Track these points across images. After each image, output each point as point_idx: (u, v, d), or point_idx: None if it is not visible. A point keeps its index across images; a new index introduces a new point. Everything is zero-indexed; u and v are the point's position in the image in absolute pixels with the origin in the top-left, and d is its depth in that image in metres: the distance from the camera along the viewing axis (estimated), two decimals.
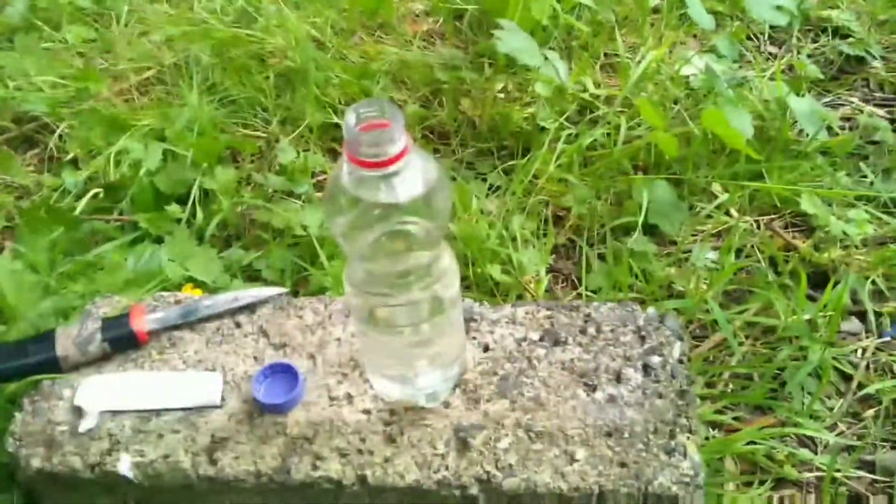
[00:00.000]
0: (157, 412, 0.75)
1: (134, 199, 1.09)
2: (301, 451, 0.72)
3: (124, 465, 0.72)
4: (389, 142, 0.54)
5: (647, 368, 0.77)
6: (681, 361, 0.78)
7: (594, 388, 0.76)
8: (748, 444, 0.85)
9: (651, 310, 0.82)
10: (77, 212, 1.08)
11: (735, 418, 0.89)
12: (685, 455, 0.71)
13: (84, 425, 0.75)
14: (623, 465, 0.70)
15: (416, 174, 0.57)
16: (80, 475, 0.73)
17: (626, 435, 0.72)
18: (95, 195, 1.11)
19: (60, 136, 1.24)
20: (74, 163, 1.21)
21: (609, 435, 0.72)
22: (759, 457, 0.85)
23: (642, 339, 0.79)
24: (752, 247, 1.05)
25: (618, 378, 0.76)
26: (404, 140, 0.55)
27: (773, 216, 1.11)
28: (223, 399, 0.76)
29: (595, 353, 0.78)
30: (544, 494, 0.70)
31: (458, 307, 0.70)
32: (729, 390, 0.91)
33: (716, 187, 1.12)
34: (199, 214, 1.05)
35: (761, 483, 0.83)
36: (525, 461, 0.71)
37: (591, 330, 0.80)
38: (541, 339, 0.80)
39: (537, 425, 0.73)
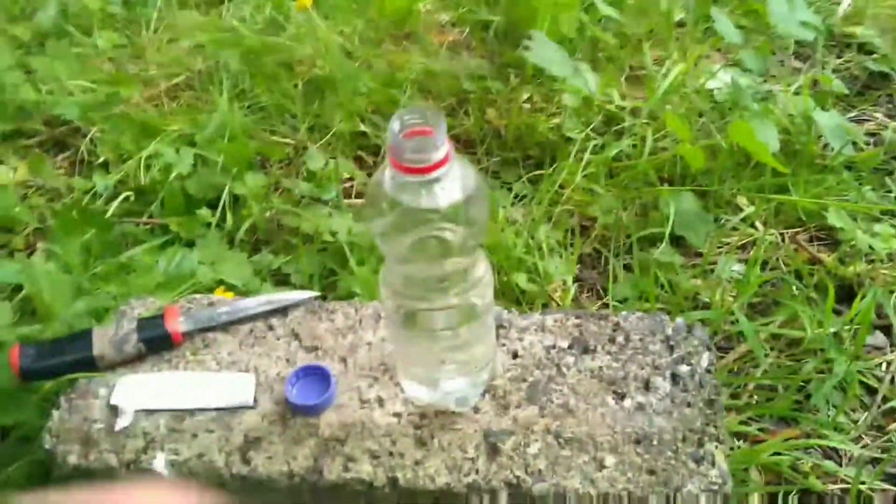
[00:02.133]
0: (192, 412, 0.77)
1: (164, 203, 1.11)
2: (333, 453, 0.73)
3: (159, 463, 0.74)
4: (433, 149, 0.55)
5: (675, 377, 0.78)
6: (709, 371, 0.78)
7: (623, 396, 0.76)
8: (773, 455, 0.86)
9: (679, 320, 0.83)
10: (108, 215, 1.10)
11: (760, 429, 0.89)
12: (713, 464, 0.71)
13: (120, 423, 0.76)
14: (652, 472, 0.71)
15: (456, 181, 0.58)
16: (116, 472, 0.74)
17: (655, 442, 0.73)
18: (126, 198, 1.13)
19: (91, 140, 1.26)
20: (105, 166, 1.23)
21: (638, 442, 0.73)
22: (785, 468, 0.85)
23: (671, 348, 0.80)
24: (778, 259, 1.06)
25: (646, 386, 0.77)
26: (446, 147, 0.56)
27: (798, 229, 1.11)
28: (256, 400, 0.77)
29: (624, 362, 0.79)
30: (573, 500, 0.70)
31: (490, 314, 0.71)
32: (754, 402, 0.92)
33: (741, 200, 1.13)
34: (230, 219, 1.06)
35: (786, 494, 0.83)
36: (554, 466, 0.71)
37: (620, 339, 0.81)
38: (570, 347, 0.81)
39: (566, 431, 0.74)
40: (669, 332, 0.81)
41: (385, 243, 0.61)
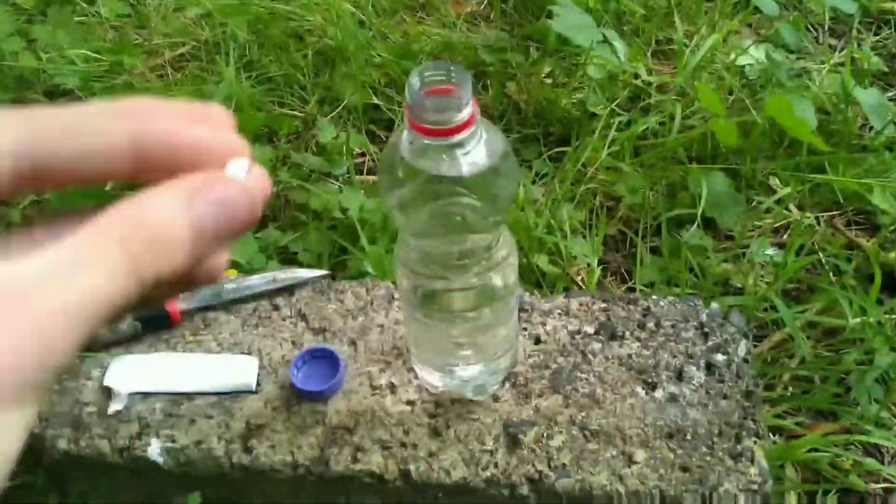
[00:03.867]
0: (190, 396, 0.72)
1: None
2: (341, 442, 0.68)
3: (154, 450, 0.69)
4: (456, 108, 0.49)
5: (710, 367, 0.72)
6: (746, 360, 0.73)
7: (654, 386, 0.71)
8: (811, 451, 0.80)
9: (714, 305, 0.77)
10: (108, 187, 1.05)
11: (797, 423, 0.83)
12: (752, 461, 0.66)
13: (113, 407, 0.71)
14: (685, 468, 0.66)
15: (482, 147, 0.52)
16: (108, 459, 0.69)
17: (689, 437, 0.67)
18: None
19: None
20: None
21: (670, 436, 0.67)
22: (823, 465, 0.79)
23: (705, 335, 0.74)
24: (814, 244, 0.99)
25: (679, 376, 0.71)
26: (472, 107, 0.50)
27: (834, 213, 1.05)
28: (259, 384, 0.72)
29: (654, 350, 0.73)
30: (601, 497, 0.65)
31: (514, 297, 0.65)
32: (789, 394, 0.86)
33: (774, 181, 1.07)
34: None
35: (825, 493, 0.77)
36: (580, 461, 0.66)
37: (651, 325, 0.75)
38: (596, 333, 0.75)
39: (593, 423, 0.68)
40: (704, 318, 0.76)
41: (401, 215, 0.56)
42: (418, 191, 0.54)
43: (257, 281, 0.78)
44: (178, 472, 0.69)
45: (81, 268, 0.23)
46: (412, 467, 0.66)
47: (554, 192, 1.02)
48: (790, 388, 0.87)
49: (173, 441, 0.69)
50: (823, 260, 0.98)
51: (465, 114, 0.50)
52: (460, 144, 0.51)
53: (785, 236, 1.02)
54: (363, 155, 1.10)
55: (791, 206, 1.05)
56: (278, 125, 1.13)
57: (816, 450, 0.80)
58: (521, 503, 0.66)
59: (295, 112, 1.17)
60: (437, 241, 0.58)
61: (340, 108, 1.14)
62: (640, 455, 0.66)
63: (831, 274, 0.95)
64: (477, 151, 0.52)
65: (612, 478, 0.65)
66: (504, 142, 0.54)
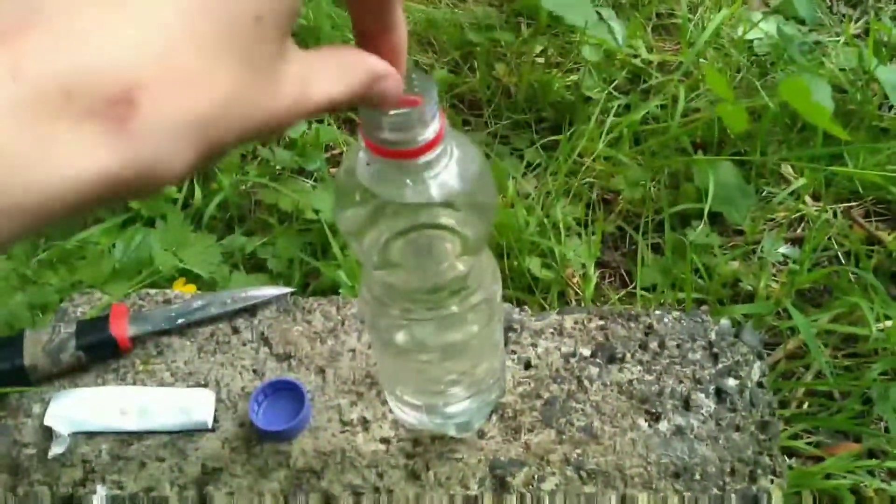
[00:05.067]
0: (139, 435, 0.64)
1: None
2: (307, 487, 0.61)
3: (99, 498, 0.61)
4: (421, 125, 0.41)
5: (720, 393, 0.64)
6: (760, 385, 0.65)
7: (657, 418, 0.63)
8: (829, 476, 0.73)
9: (724, 321, 0.69)
10: None
11: (814, 444, 0.76)
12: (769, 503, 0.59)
13: (54, 450, 0.64)
14: None
15: (453, 166, 0.44)
16: None
17: (698, 476, 0.60)
18: None
19: None
20: None
21: (676, 476, 0.60)
22: (844, 492, 0.72)
23: (715, 357, 0.67)
24: (830, 239, 0.91)
25: (686, 405, 0.64)
26: (438, 122, 0.42)
27: (852, 204, 0.96)
28: (216, 421, 0.64)
29: (658, 374, 0.66)
30: None
31: (498, 321, 0.57)
32: (805, 411, 0.78)
33: (786, 170, 0.98)
34: (198, 194, 0.92)
35: None
36: None
37: (654, 345, 0.67)
38: (593, 356, 0.67)
39: (589, 462, 0.61)
40: (713, 336, 0.68)
41: (360, 245, 0.47)
42: (378, 219, 0.45)
43: (215, 301, 0.70)
44: None
45: None
46: None
47: (547, 186, 0.93)
48: (806, 405, 0.79)
49: (121, 488, 0.62)
50: (841, 256, 0.90)
51: (431, 131, 0.41)
52: (427, 166, 0.42)
53: (799, 230, 0.94)
54: (338, 148, 1.01)
55: (806, 198, 0.96)
56: None
57: (836, 475, 0.73)
58: None
59: None
60: (403, 273, 0.49)
61: None
62: (642, 499, 0.59)
63: (850, 273, 0.87)
64: (447, 172, 0.43)
65: None
66: (479, 157, 0.45)
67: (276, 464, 0.62)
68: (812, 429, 0.77)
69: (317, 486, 0.61)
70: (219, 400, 0.66)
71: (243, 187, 0.94)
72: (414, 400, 0.60)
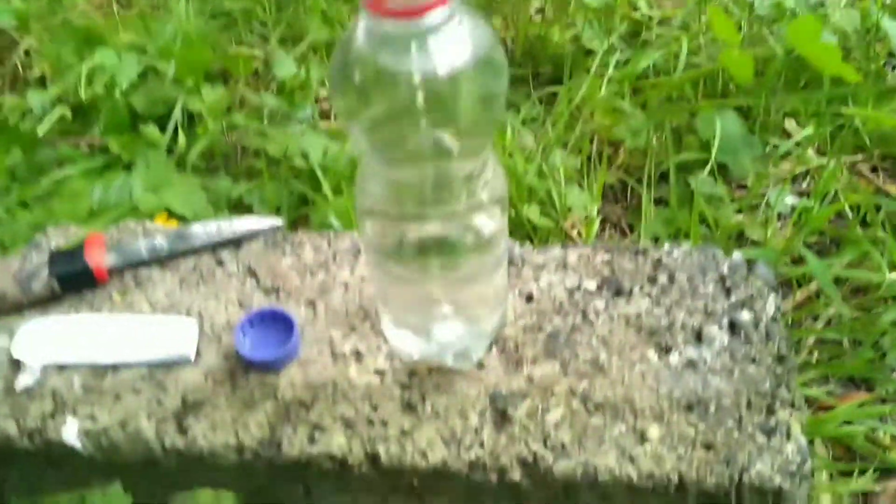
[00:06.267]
0: (115, 367, 0.60)
1: (107, 122, 0.93)
2: (296, 420, 0.56)
3: (70, 432, 0.57)
4: None
5: (734, 326, 0.61)
6: (775, 319, 0.62)
7: (668, 350, 0.60)
8: (843, 424, 0.69)
9: (737, 254, 0.66)
10: (40, 134, 0.92)
11: (826, 393, 0.73)
12: (788, 436, 0.55)
13: (22, 381, 0.59)
14: (709, 446, 0.55)
15: (461, 36, 0.40)
16: (16, 444, 0.57)
17: (712, 409, 0.56)
18: (63, 117, 0.95)
19: (27, 53, 1.07)
20: (42, 82, 1.04)
21: (689, 409, 0.56)
22: (858, 440, 0.69)
23: (727, 290, 0.63)
24: (837, 193, 0.88)
25: (698, 338, 0.60)
26: None
27: (858, 158, 0.94)
28: (199, 353, 0.60)
29: (668, 307, 0.62)
30: (607, 482, 0.54)
31: (502, 243, 0.54)
32: (815, 359, 0.75)
33: (790, 124, 0.95)
34: (182, 139, 0.88)
35: (862, 472, 0.67)
36: (582, 439, 0.55)
37: (663, 279, 0.64)
38: (599, 289, 0.64)
39: (596, 395, 0.57)
40: (724, 270, 0.65)
41: (359, 132, 0.44)
42: (379, 98, 0.42)
43: (198, 232, 0.66)
44: (99, 458, 0.57)
45: None
46: (381, 449, 0.55)
47: (546, 137, 0.90)
48: (818, 354, 0.76)
49: (94, 421, 0.57)
50: (848, 210, 0.87)
51: None
52: (432, 30, 0.39)
53: (804, 184, 0.91)
54: (327, 97, 0.98)
55: (810, 151, 0.93)
56: (233, 66, 1.00)
57: (850, 423, 0.69)
58: (512, 490, 0.55)
59: (254, 51, 1.04)
60: (405, 168, 0.46)
61: (304, 44, 1.01)
62: (653, 431, 0.55)
63: (858, 226, 0.85)
64: (455, 42, 0.40)
65: (622, 459, 0.54)
66: (490, 32, 0.42)
67: (262, 396, 0.58)
68: (824, 378, 0.74)
69: (306, 418, 0.57)
70: (201, 332, 0.61)
71: (230, 133, 0.90)
72: (411, 324, 0.56)
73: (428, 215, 0.48)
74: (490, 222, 0.50)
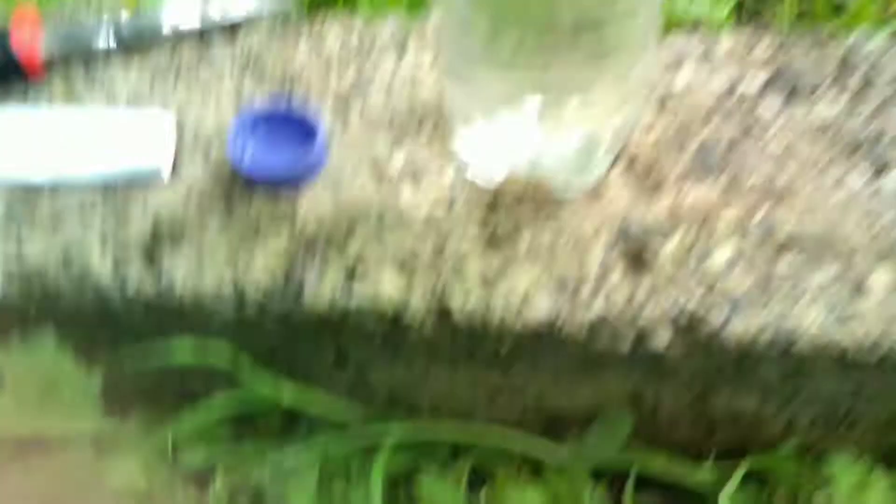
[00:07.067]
0: (54, 188, 0.40)
1: None
2: (323, 261, 0.37)
3: None
4: None
5: None
6: None
7: (881, 170, 0.40)
8: None
9: None
10: None
11: None
12: None
13: None
14: None
15: None
16: None
17: None
18: None
19: None
20: None
21: None
22: None
23: None
24: None
25: None
26: None
27: None
28: (176, 166, 0.40)
29: (871, 115, 0.42)
30: (808, 353, 0.35)
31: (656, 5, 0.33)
32: None
33: None
34: None
35: None
36: (766, 291, 0.36)
37: (853, 80, 0.44)
38: (764, 88, 0.43)
39: (780, 228, 0.37)
40: None
41: None
42: None
43: (178, 11, 0.46)
44: (30, 306, 0.38)
45: None
46: (454, 301, 0.36)
47: None
48: None
49: (21, 261, 0.38)
50: None
51: None
52: None
53: None
54: None
55: None
56: None
57: None
58: (652, 364, 0.36)
59: None
60: None
61: None
62: (875, 279, 0.36)
63: None
64: None
65: (829, 319, 0.35)
66: None
67: (272, 226, 0.38)
68: None
69: (336, 258, 0.37)
70: (181, 139, 0.42)
71: None
72: (500, 128, 0.36)
73: None
74: None
